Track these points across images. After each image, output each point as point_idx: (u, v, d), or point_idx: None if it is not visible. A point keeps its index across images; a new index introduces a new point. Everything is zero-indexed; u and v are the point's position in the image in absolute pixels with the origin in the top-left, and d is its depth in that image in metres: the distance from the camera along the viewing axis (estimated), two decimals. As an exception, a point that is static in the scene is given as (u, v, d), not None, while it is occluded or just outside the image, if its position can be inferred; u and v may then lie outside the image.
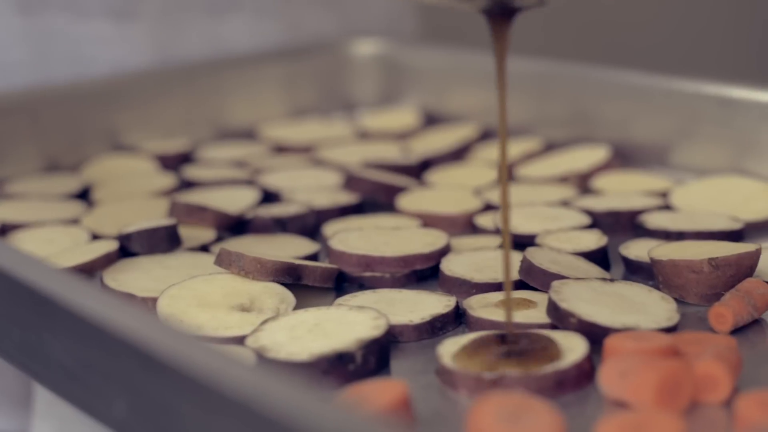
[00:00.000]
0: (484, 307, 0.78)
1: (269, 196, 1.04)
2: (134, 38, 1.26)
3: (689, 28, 2.26)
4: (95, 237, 0.95)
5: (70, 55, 1.24)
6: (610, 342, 0.69)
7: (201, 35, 1.31)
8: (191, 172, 1.11)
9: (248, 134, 1.26)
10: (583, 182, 1.06)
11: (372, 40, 1.36)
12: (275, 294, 0.80)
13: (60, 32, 1.24)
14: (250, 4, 1.33)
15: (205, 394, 0.57)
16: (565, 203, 1.00)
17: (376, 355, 0.71)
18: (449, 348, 0.70)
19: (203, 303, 0.79)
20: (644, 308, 0.75)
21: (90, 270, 0.86)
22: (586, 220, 0.94)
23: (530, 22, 2.18)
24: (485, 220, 0.96)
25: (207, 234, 0.94)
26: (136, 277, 0.85)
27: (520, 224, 0.92)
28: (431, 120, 1.28)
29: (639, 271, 0.85)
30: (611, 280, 0.78)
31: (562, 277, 0.78)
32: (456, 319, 0.78)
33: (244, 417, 0.55)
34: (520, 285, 0.81)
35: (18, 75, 1.23)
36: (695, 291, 0.79)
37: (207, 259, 0.87)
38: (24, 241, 0.94)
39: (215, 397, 0.57)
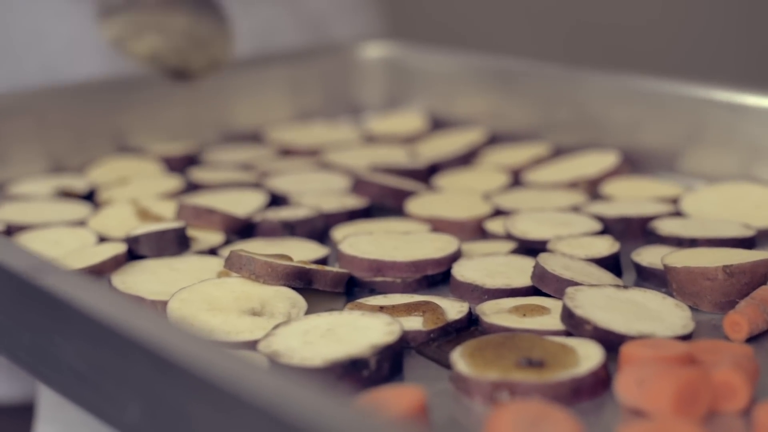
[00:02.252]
0: (496, 313, 0.77)
1: (276, 200, 1.04)
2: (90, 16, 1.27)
3: (699, 34, 2.25)
4: (101, 239, 0.94)
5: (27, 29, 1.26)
6: (626, 349, 0.69)
7: None
8: (197, 174, 1.11)
9: (254, 137, 1.26)
10: (592, 188, 1.06)
11: (379, 43, 1.35)
12: (286, 298, 0.79)
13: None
14: None
15: (221, 398, 0.57)
16: (575, 209, 0.99)
17: (390, 361, 0.70)
18: (464, 354, 0.70)
19: (214, 307, 0.78)
20: (659, 316, 0.74)
21: (98, 272, 0.86)
22: (597, 225, 0.93)
23: (541, 27, 2.18)
24: (495, 226, 0.95)
25: (215, 237, 0.93)
26: (145, 279, 0.85)
27: (531, 229, 0.91)
28: (438, 124, 1.28)
29: (651, 278, 0.85)
30: (625, 287, 0.78)
31: (576, 284, 0.78)
32: (469, 325, 0.78)
33: (261, 421, 0.54)
34: (532, 291, 0.81)
35: None
36: (709, 298, 0.79)
37: (216, 263, 0.87)
38: (30, 243, 0.93)
39: (232, 401, 0.56)
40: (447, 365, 0.71)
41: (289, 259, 0.83)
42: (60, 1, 1.27)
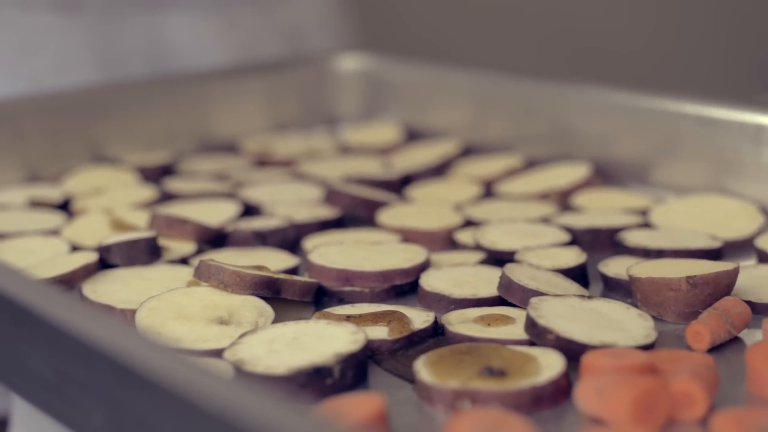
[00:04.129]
0: (462, 322, 0.78)
1: (250, 210, 1.04)
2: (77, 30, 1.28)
3: (670, 48, 2.27)
4: (75, 248, 0.95)
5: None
6: (587, 359, 0.69)
7: (141, 30, 1.33)
8: (172, 184, 1.11)
9: (231, 147, 1.27)
10: (563, 199, 1.07)
11: (355, 55, 1.36)
12: (254, 307, 0.80)
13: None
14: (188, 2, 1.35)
15: (181, 406, 0.57)
16: (545, 220, 1.00)
17: (354, 370, 0.71)
18: (426, 363, 0.70)
19: (182, 315, 0.78)
20: (622, 325, 0.75)
21: (69, 281, 0.86)
22: (565, 237, 0.94)
23: (517, 42, 2.19)
24: (465, 236, 0.96)
25: (187, 246, 0.94)
26: (116, 289, 0.85)
27: (500, 240, 0.92)
28: (413, 135, 1.29)
29: (617, 289, 0.86)
30: (589, 297, 0.79)
31: (541, 294, 0.78)
32: (434, 335, 0.78)
33: (219, 430, 0.55)
34: (498, 301, 0.81)
35: None
36: (673, 309, 0.80)
37: (186, 272, 0.87)
38: (4, 252, 0.94)
39: (191, 410, 0.57)
40: (406, 377, 0.72)
41: (267, 269, 0.84)
42: (48, 16, 1.28)
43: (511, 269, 0.82)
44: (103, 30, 1.31)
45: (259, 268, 0.84)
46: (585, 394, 0.66)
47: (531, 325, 0.74)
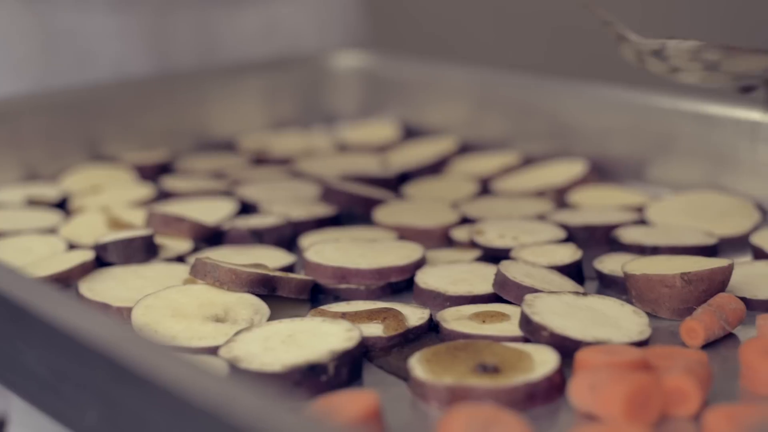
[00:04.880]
0: (457, 319, 0.78)
1: (246, 208, 1.05)
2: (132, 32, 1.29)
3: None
4: (72, 246, 0.95)
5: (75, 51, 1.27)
6: (580, 355, 0.70)
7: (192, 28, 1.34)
8: (169, 182, 1.11)
9: (228, 145, 1.27)
10: (559, 196, 1.07)
11: (352, 53, 1.36)
12: (250, 305, 0.80)
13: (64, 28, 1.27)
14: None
15: (176, 404, 0.57)
16: (541, 217, 1.00)
17: (349, 367, 0.71)
18: (421, 360, 0.71)
19: (178, 313, 0.79)
20: (616, 322, 0.75)
21: (66, 279, 0.86)
22: (561, 233, 0.94)
23: (515, 39, 2.19)
24: (461, 233, 0.96)
25: (183, 245, 0.94)
26: (112, 286, 0.85)
27: (496, 237, 0.92)
28: (410, 133, 1.29)
29: (613, 285, 0.86)
30: (584, 294, 0.79)
31: (536, 291, 0.79)
32: (429, 332, 0.79)
33: (214, 427, 0.55)
34: (494, 298, 0.82)
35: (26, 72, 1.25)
36: (668, 305, 0.80)
37: (183, 270, 0.88)
38: (1, 250, 0.94)
39: (186, 407, 0.57)
40: (401, 375, 0.72)
41: (265, 267, 0.84)
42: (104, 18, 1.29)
43: (506, 266, 0.82)
44: (156, 27, 1.31)
45: (259, 266, 0.84)
46: (579, 391, 0.66)
47: (525, 321, 0.74)
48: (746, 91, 0.87)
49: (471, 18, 2.21)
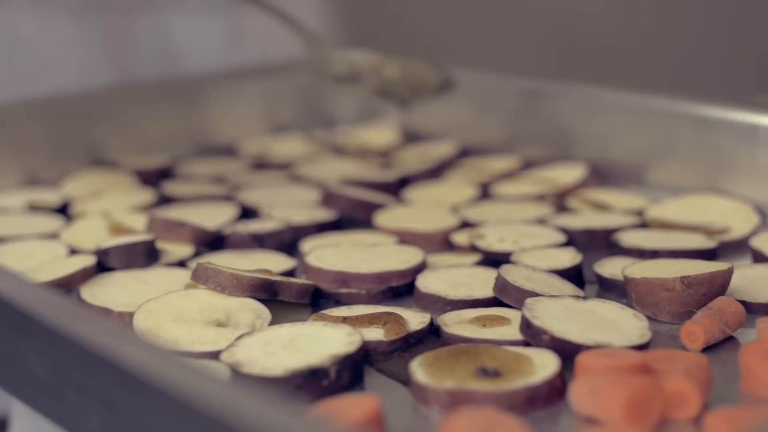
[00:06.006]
0: (458, 323, 0.78)
1: (247, 212, 1.05)
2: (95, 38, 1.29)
3: (666, 49, 2.27)
4: (73, 251, 0.95)
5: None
6: (581, 359, 0.70)
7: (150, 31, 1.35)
8: (170, 187, 1.12)
9: (229, 150, 1.27)
10: (559, 200, 1.07)
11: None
12: (251, 310, 0.80)
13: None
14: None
15: (178, 408, 0.58)
16: (541, 221, 1.00)
17: (350, 371, 0.71)
18: (422, 364, 0.71)
19: (179, 318, 0.79)
20: (616, 326, 0.76)
21: (68, 284, 0.87)
22: (561, 237, 0.94)
23: (512, 42, 2.19)
24: (461, 238, 0.96)
25: (185, 249, 0.94)
26: (113, 291, 0.86)
27: (496, 241, 0.93)
28: (410, 138, 1.29)
29: (613, 289, 0.86)
30: (584, 298, 0.79)
31: (536, 295, 0.79)
32: (430, 336, 0.79)
33: (216, 431, 0.56)
34: (494, 302, 0.82)
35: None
36: (668, 309, 0.80)
37: (184, 275, 0.88)
38: (2, 255, 0.94)
39: (188, 412, 0.57)
40: (402, 379, 0.72)
41: (269, 272, 0.84)
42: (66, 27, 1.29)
43: (506, 270, 0.83)
44: (118, 35, 1.32)
45: (264, 271, 0.84)
46: (579, 394, 0.66)
47: (526, 325, 0.74)
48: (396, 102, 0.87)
49: (464, 20, 2.21)
